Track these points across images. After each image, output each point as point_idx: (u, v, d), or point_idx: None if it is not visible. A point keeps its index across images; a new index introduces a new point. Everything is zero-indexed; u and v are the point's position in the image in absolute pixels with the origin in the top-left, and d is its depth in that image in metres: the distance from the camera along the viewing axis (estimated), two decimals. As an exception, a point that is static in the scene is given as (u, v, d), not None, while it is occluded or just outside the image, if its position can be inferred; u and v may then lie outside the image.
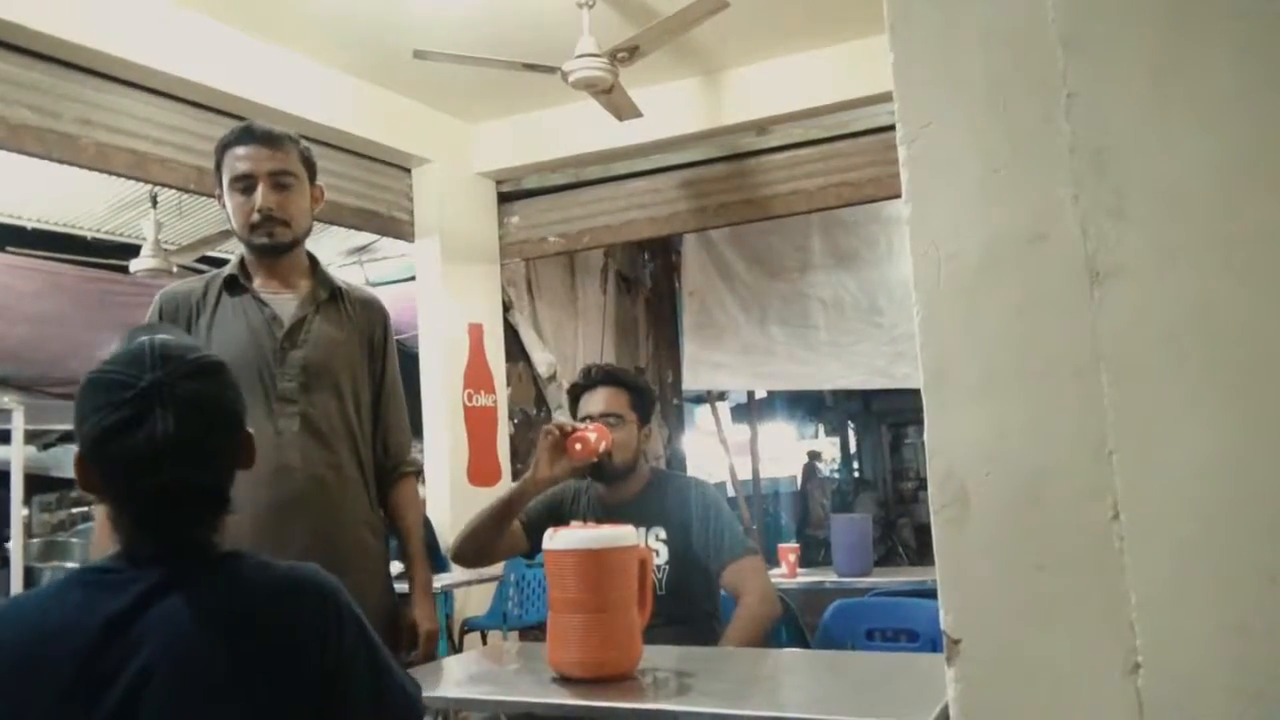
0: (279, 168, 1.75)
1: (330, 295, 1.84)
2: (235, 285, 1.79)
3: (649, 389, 2.25)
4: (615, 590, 1.33)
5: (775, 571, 3.37)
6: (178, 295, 1.80)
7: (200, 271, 5.92)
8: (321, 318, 1.80)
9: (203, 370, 1.04)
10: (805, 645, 2.33)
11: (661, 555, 2.04)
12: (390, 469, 1.89)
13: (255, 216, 1.74)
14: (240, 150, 1.74)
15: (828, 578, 3.11)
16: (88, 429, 0.99)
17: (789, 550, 3.21)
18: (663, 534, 2.06)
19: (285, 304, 1.79)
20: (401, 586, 1.88)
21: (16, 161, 3.56)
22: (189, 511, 1.02)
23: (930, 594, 2.56)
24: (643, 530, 2.03)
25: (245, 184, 1.74)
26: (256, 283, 1.80)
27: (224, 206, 1.81)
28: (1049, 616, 0.89)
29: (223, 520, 1.06)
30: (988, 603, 0.91)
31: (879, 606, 2.12)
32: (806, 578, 3.14)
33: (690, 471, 7.35)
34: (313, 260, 1.88)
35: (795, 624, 2.46)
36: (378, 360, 1.89)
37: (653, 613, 1.78)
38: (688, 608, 2.02)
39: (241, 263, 1.82)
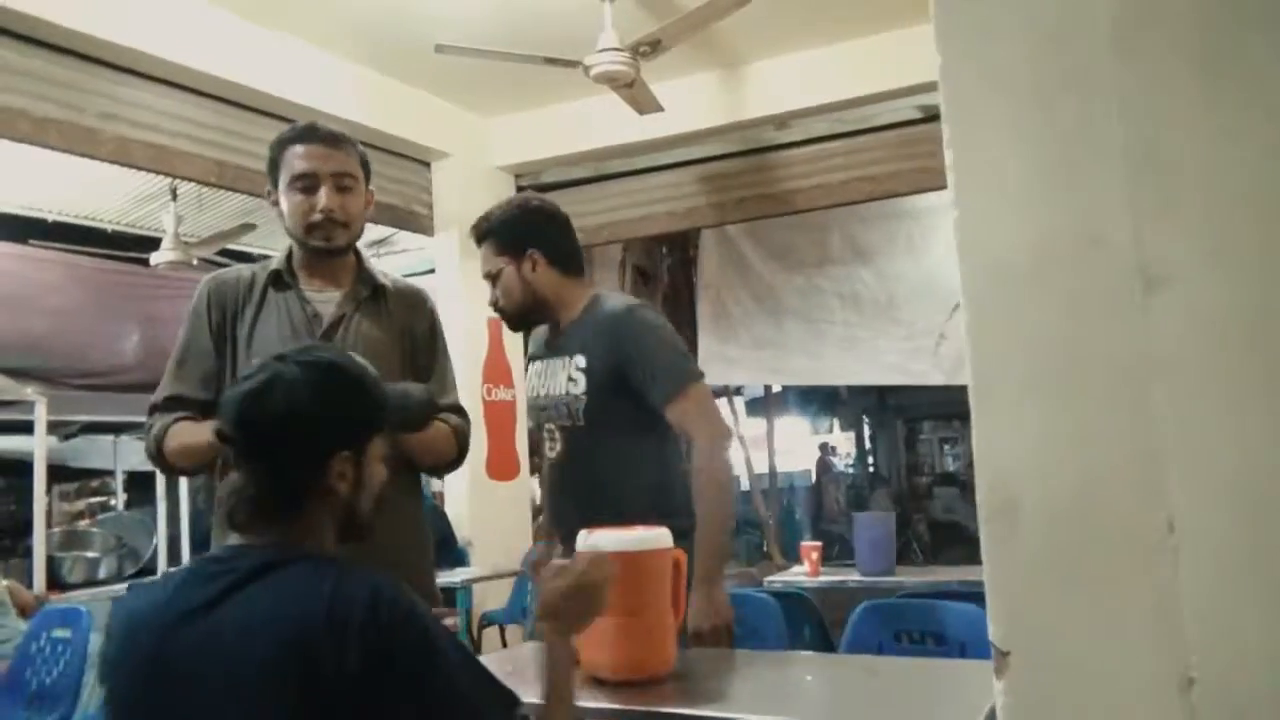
0: (341, 169, 1.73)
1: (372, 293, 1.81)
2: (280, 281, 1.77)
3: (509, 218, 2.02)
4: (649, 593, 1.31)
5: (797, 570, 3.36)
6: (225, 282, 1.78)
7: (220, 265, 5.96)
8: (361, 316, 1.78)
9: (313, 363, 1.13)
10: (829, 644, 2.31)
11: (579, 385, 1.89)
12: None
13: (316, 217, 1.71)
14: (303, 149, 1.72)
15: (850, 576, 3.09)
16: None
17: (811, 548, 3.19)
18: (582, 363, 1.90)
19: (327, 302, 1.77)
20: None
21: (39, 155, 3.57)
22: (250, 489, 1.09)
23: (956, 595, 2.54)
24: (565, 359, 1.93)
25: (307, 183, 1.71)
26: (301, 279, 1.78)
27: (276, 204, 1.78)
28: (1101, 630, 0.87)
29: (295, 526, 1.10)
30: (1038, 615, 0.89)
31: (907, 609, 2.10)
32: (829, 576, 3.13)
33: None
34: (358, 258, 1.85)
35: (819, 622, 2.44)
36: (421, 354, 1.85)
37: (567, 451, 1.71)
38: (606, 442, 1.88)
39: (288, 258, 1.80)
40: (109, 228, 5.29)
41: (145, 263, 5.42)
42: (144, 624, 1.05)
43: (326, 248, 1.75)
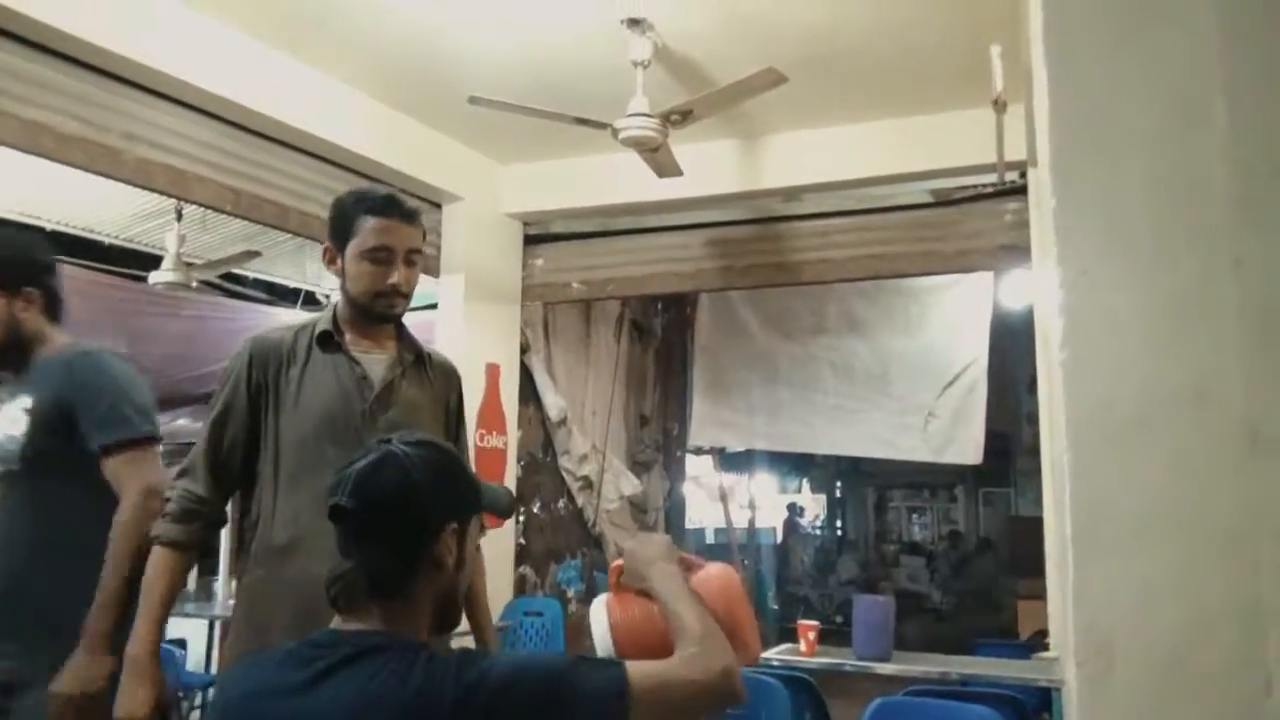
0: (415, 246, 1.79)
1: (415, 358, 1.85)
2: (328, 341, 1.78)
3: (6, 256, 1.95)
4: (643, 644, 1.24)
5: (787, 647, 3.33)
6: (268, 344, 1.79)
7: (219, 288, 5.87)
8: (407, 381, 1.82)
9: (425, 444, 1.18)
10: (831, 732, 2.28)
11: (19, 426, 1.82)
12: None
13: (385, 288, 1.76)
14: (382, 223, 1.75)
15: (846, 659, 3.08)
16: None
17: (808, 628, 3.18)
18: (29, 403, 1.84)
19: (375, 364, 1.79)
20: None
21: (43, 163, 3.51)
22: (358, 570, 1.12)
23: (962, 691, 2.53)
24: (13, 401, 1.86)
25: (382, 256, 1.75)
26: (348, 339, 1.80)
27: (334, 262, 1.81)
28: (1200, 789, 0.87)
29: (398, 608, 1.13)
30: (1132, 765, 0.90)
31: (920, 709, 2.09)
32: (825, 658, 3.11)
33: (688, 522, 7.32)
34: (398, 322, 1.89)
35: (819, 704, 2.42)
36: (452, 425, 1.91)
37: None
38: (39, 489, 1.82)
39: (334, 317, 1.81)
40: (107, 240, 5.21)
41: (138, 278, 5.35)
42: (243, 701, 1.11)
43: (388, 315, 1.79)
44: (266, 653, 1.19)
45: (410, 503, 1.13)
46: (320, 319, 1.82)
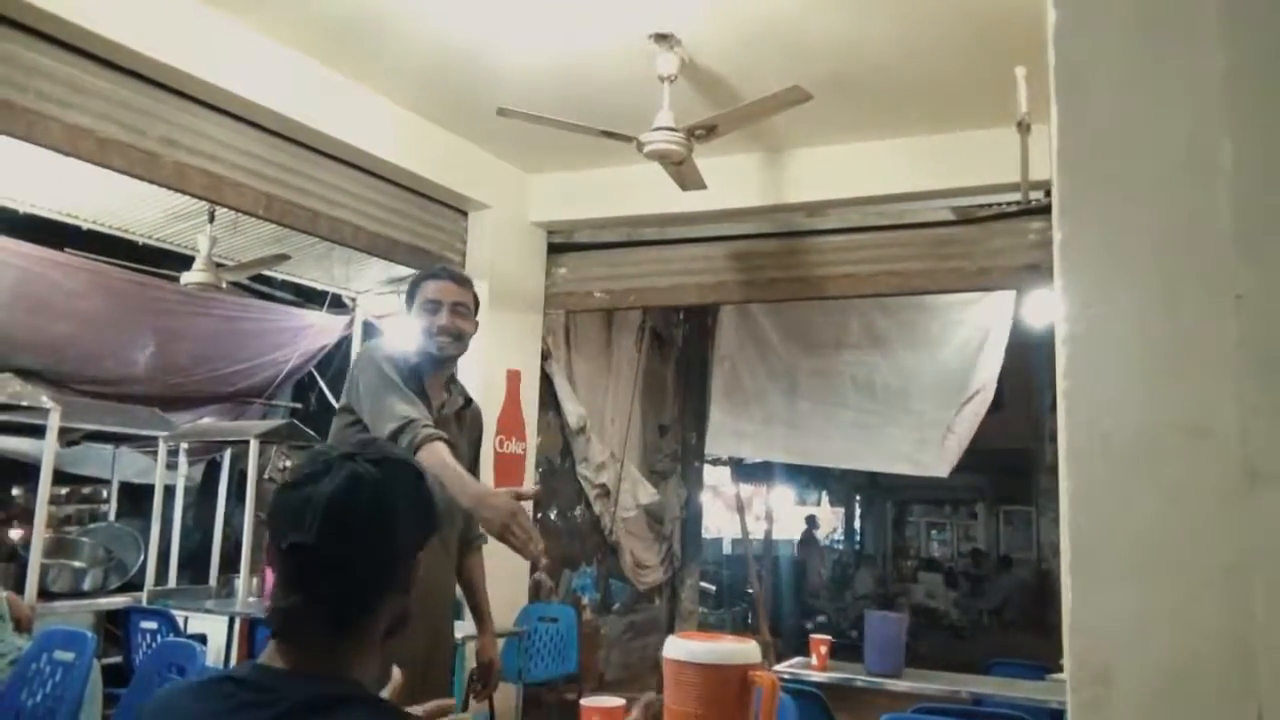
0: (459, 300, 2.18)
1: (463, 403, 2.22)
2: (419, 386, 2.12)
3: None
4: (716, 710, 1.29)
5: (799, 660, 3.34)
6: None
7: (248, 289, 5.96)
8: (454, 423, 2.17)
9: (390, 461, 1.06)
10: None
11: None
12: (468, 540, 2.28)
13: (435, 328, 2.13)
14: (434, 283, 2.18)
15: (858, 675, 3.09)
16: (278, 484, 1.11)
17: (820, 641, 3.19)
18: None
19: (437, 408, 2.14)
20: None
21: (80, 163, 3.58)
22: (319, 604, 0.98)
23: (973, 715, 2.54)
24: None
25: (432, 306, 2.15)
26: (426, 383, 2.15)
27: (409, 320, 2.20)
28: (1191, 815, 0.89)
29: (357, 641, 1.01)
30: (1125, 790, 0.91)
31: (928, 725, 2.10)
32: (836, 672, 3.12)
33: (704, 532, 7.32)
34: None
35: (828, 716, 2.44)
36: (470, 457, 2.23)
37: None
38: None
39: (415, 368, 2.15)
40: (139, 240, 5.31)
41: (170, 278, 5.45)
42: None
43: (441, 356, 2.14)
44: (196, 684, 1.05)
45: (389, 534, 1.02)
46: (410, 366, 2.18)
